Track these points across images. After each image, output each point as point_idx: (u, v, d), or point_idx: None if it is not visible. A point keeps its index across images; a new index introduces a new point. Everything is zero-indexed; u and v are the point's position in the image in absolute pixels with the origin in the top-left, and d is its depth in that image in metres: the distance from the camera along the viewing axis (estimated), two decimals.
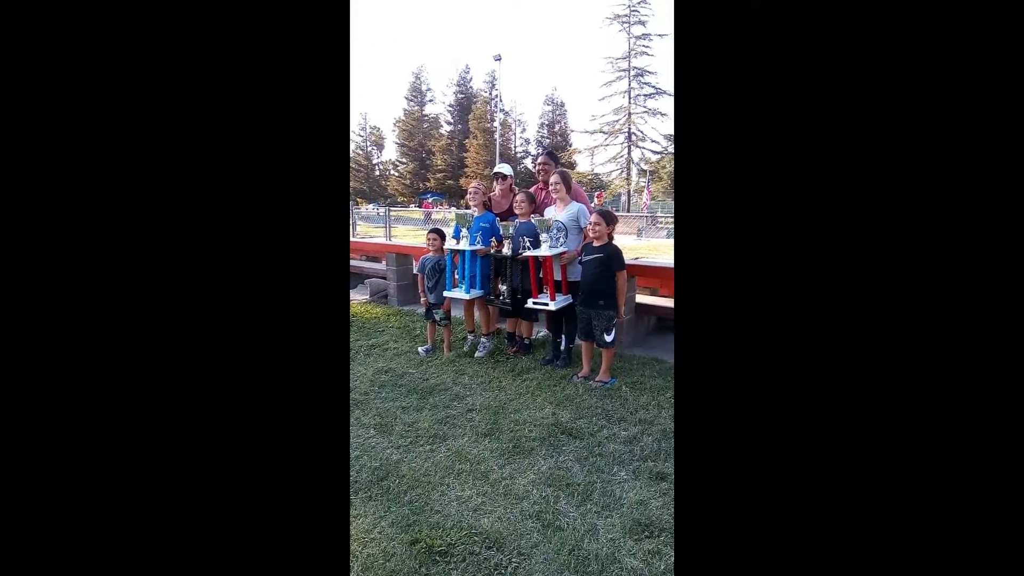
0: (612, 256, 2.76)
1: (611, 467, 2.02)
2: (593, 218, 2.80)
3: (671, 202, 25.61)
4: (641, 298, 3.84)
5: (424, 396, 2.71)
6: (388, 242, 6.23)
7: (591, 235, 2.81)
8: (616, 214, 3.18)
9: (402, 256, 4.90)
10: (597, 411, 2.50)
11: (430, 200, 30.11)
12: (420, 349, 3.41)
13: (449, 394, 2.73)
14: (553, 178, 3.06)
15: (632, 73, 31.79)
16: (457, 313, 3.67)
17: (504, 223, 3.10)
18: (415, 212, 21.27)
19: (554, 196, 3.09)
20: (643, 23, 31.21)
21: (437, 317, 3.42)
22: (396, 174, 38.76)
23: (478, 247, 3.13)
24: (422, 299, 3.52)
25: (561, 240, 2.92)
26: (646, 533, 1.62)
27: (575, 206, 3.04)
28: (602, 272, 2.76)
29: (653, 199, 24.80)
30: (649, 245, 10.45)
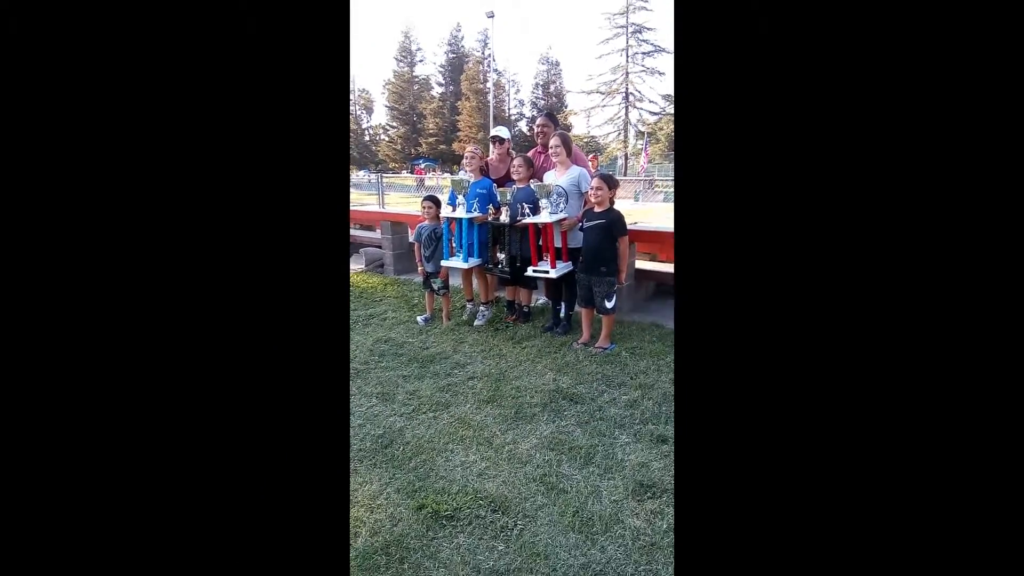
0: (614, 222, 2.71)
1: (612, 431, 2.04)
2: (595, 183, 2.73)
3: (669, 165, 25.26)
4: (640, 263, 3.82)
5: (425, 365, 2.72)
6: (382, 210, 6.11)
7: (593, 200, 2.75)
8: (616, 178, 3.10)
9: (397, 224, 4.82)
10: (597, 376, 2.52)
11: (422, 166, 29.51)
12: (419, 318, 3.40)
13: (450, 362, 2.74)
14: (553, 141, 2.95)
15: (630, 30, 30.57)
16: (455, 282, 3.64)
17: (501, 189, 3.03)
18: (407, 179, 20.86)
19: (554, 160, 2.99)
20: None
21: (435, 286, 3.39)
22: (387, 139, 37.72)
23: (475, 214, 3.06)
24: (419, 268, 3.47)
25: (561, 206, 2.86)
26: (648, 494, 1.65)
27: (576, 170, 2.96)
28: (604, 238, 2.72)
29: (650, 162, 24.37)
30: (646, 209, 10.35)
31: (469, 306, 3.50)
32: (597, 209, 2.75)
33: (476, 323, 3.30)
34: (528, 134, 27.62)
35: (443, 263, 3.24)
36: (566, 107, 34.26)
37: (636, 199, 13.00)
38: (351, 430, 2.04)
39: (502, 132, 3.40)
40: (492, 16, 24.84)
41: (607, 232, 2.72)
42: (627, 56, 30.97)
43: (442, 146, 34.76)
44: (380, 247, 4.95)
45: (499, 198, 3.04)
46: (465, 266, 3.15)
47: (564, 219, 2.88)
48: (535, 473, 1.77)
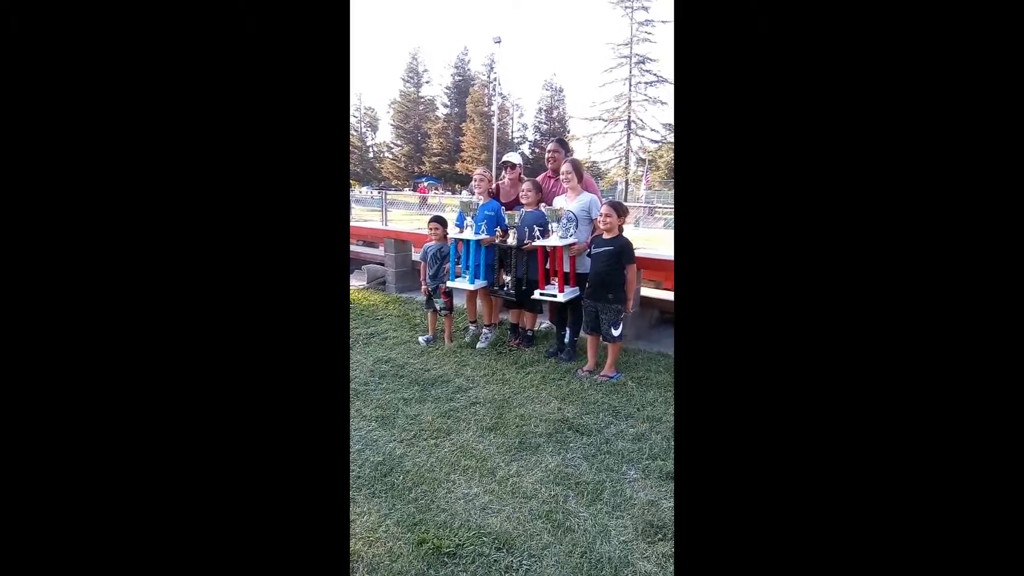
0: (623, 249, 2.69)
1: (620, 465, 1.98)
2: (604, 209, 2.72)
3: (669, 192, 25.57)
4: (646, 291, 3.79)
5: (426, 388, 2.65)
6: (385, 227, 6.10)
7: (602, 227, 2.73)
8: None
9: (400, 242, 4.79)
10: (604, 407, 2.45)
11: (426, 184, 29.77)
12: (421, 339, 3.34)
13: (452, 386, 2.68)
14: (565, 167, 2.96)
15: (633, 60, 31.38)
16: (459, 302, 3.60)
17: (509, 212, 3.01)
18: (410, 196, 21.01)
19: (565, 185, 2.99)
20: (646, 9, 30.71)
21: (438, 306, 3.34)
22: (391, 156, 38.16)
23: (483, 236, 3.04)
24: (423, 288, 3.43)
25: (571, 230, 2.84)
26: (659, 535, 1.58)
27: (586, 196, 2.95)
28: (612, 265, 2.70)
29: (650, 188, 24.67)
30: (648, 235, 10.40)
31: (472, 328, 3.45)
32: (606, 236, 2.73)
33: (479, 346, 3.24)
34: (531, 157, 28.00)
35: (448, 284, 3.20)
36: (568, 132, 34.84)
37: (637, 225, 13.11)
38: (350, 455, 1.97)
39: (514, 158, 3.41)
40: (499, 42, 25.52)
41: (615, 259, 2.70)
42: (630, 85, 31.70)
43: (445, 165, 35.16)
44: (383, 264, 4.92)
45: (507, 221, 3.02)
46: (471, 288, 3.12)
47: (574, 244, 2.86)
48: (541, 509, 1.70)
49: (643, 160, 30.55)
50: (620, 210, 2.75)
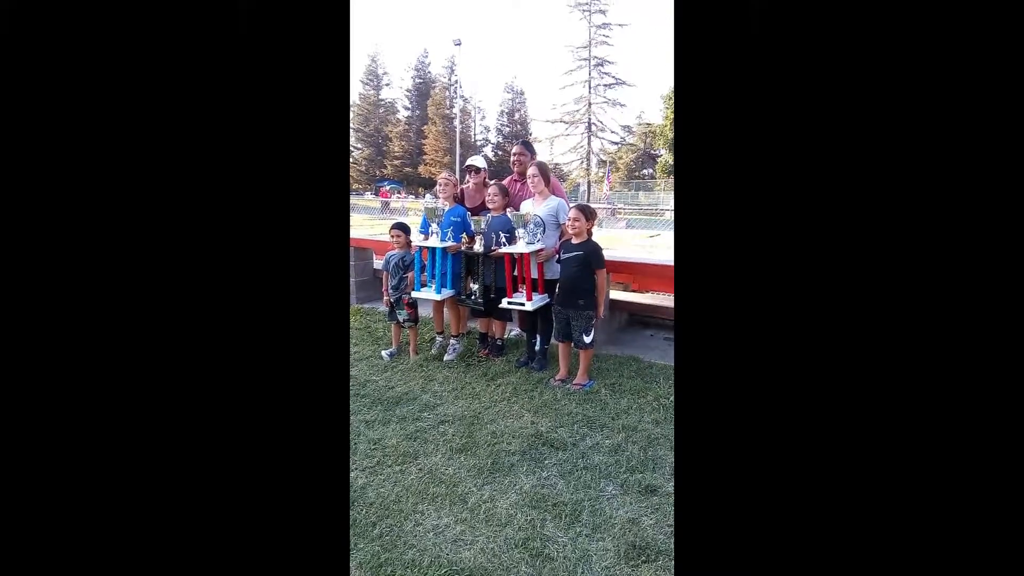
0: (592, 253, 2.62)
1: (598, 481, 1.89)
2: (572, 213, 2.64)
3: (629, 192, 26.14)
4: (614, 294, 3.76)
5: (390, 407, 2.49)
6: None
7: (570, 231, 2.65)
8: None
9: (361, 250, 4.58)
10: (578, 418, 2.37)
11: (387, 188, 29.18)
12: (384, 353, 3.16)
13: (418, 404, 2.52)
14: (531, 170, 2.86)
15: (593, 63, 31.90)
16: (424, 312, 3.44)
17: (475, 217, 2.89)
18: (372, 201, 20.51)
19: (532, 189, 2.90)
20: (603, 12, 31.30)
21: (401, 318, 3.17)
22: (351, 160, 37.18)
23: (449, 243, 2.90)
24: (384, 298, 3.25)
25: (538, 236, 2.75)
26: (643, 557, 1.50)
27: (554, 200, 2.87)
28: (582, 270, 2.62)
29: (612, 189, 25.09)
30: (610, 236, 10.49)
31: (439, 339, 3.30)
32: (575, 240, 2.66)
33: (446, 358, 3.10)
34: (494, 160, 27.93)
35: (414, 294, 3.04)
36: (531, 135, 35.03)
37: (600, 226, 13.23)
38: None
39: (478, 161, 3.27)
40: (459, 44, 25.34)
41: (585, 264, 2.63)
42: (590, 87, 32.20)
43: (407, 168, 34.60)
44: None
45: (473, 226, 2.90)
46: (438, 298, 2.97)
47: (541, 250, 2.77)
48: (517, 537, 1.58)
49: (604, 162, 31.07)
50: (588, 214, 2.68)
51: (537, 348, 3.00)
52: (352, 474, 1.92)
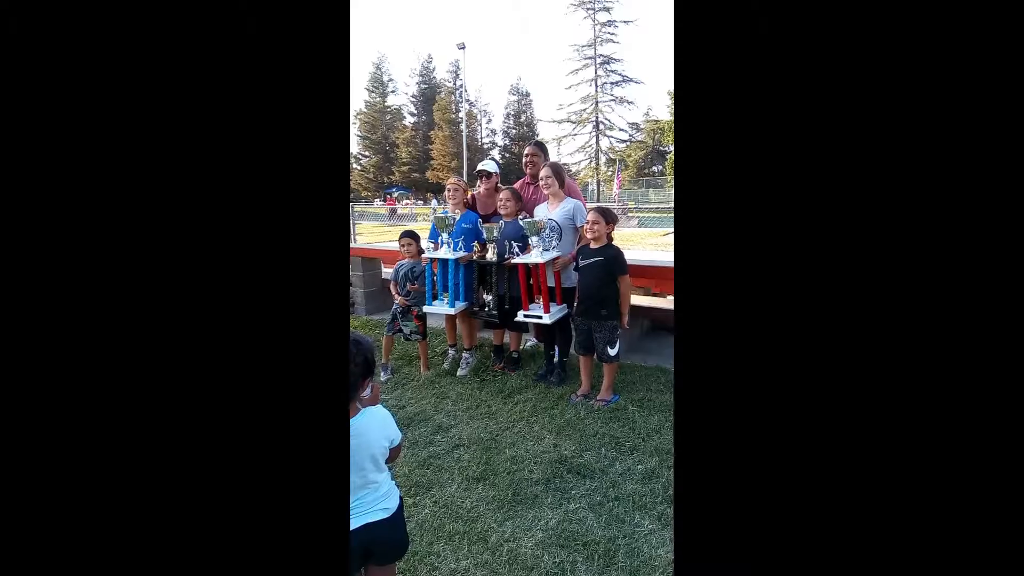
0: (613, 259, 2.43)
1: (632, 514, 1.70)
2: (591, 216, 2.46)
3: (639, 191, 25.82)
4: (634, 299, 3.55)
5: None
6: (354, 244, 5.71)
7: (589, 235, 2.47)
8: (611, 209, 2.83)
9: (369, 260, 4.44)
10: (605, 439, 2.18)
11: (395, 195, 29.25)
12: (381, 376, 2.94)
13: (431, 425, 2.36)
14: (544, 171, 2.68)
15: (598, 61, 31.63)
16: (433, 324, 3.28)
17: (488, 225, 2.72)
18: (380, 208, 20.52)
19: (545, 192, 2.71)
20: (608, 9, 30.99)
21: (407, 331, 3.00)
22: (359, 168, 37.33)
23: (461, 254, 2.74)
24: (397, 299, 3.04)
25: (554, 243, 2.57)
26: None
27: (570, 203, 2.68)
28: (603, 277, 2.44)
29: (621, 188, 24.78)
30: (623, 235, 10.25)
31: (451, 352, 3.13)
32: (594, 245, 2.47)
33: (459, 372, 2.93)
34: (501, 163, 27.81)
35: (425, 308, 2.87)
36: (537, 136, 34.88)
37: None
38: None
39: (489, 166, 3.09)
40: (463, 47, 25.28)
41: (606, 270, 2.44)
42: (596, 86, 31.93)
43: (415, 174, 34.67)
44: (351, 284, 4.55)
45: (485, 234, 2.72)
46: (452, 311, 2.80)
47: (557, 258, 2.58)
48: None
49: (613, 160, 30.72)
50: (608, 216, 2.49)
51: (556, 360, 2.82)
52: None
